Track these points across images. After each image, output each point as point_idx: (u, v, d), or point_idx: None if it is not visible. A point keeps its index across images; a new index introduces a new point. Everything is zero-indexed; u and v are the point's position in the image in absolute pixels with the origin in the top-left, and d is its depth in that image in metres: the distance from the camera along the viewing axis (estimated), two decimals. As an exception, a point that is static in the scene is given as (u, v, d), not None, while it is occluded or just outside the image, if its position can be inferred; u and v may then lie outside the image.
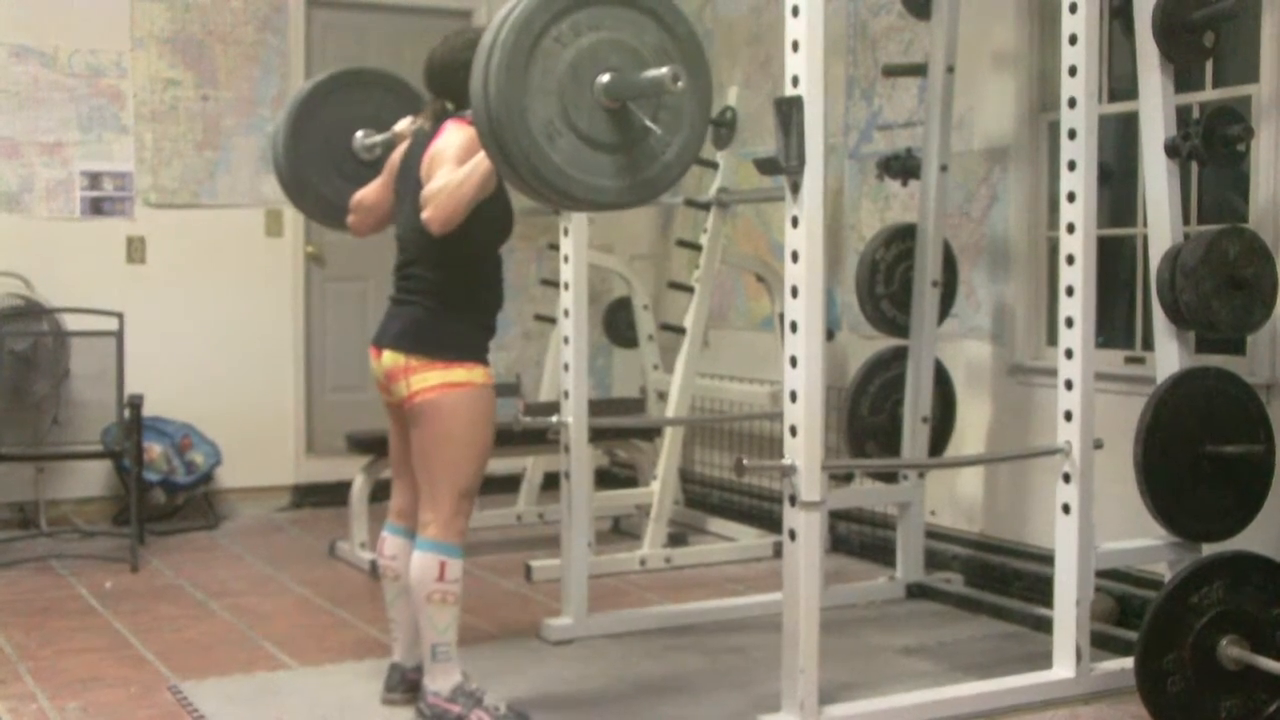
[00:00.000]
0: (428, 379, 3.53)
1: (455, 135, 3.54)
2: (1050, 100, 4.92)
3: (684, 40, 3.14)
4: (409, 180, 3.65)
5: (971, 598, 4.89)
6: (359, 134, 4.21)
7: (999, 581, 5.03)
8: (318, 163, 4.19)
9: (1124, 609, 4.50)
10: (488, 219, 3.55)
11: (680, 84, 2.97)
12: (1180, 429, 3.80)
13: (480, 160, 3.35)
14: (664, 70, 2.97)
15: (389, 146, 4.04)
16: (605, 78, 3.03)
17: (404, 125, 3.94)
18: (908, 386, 4.95)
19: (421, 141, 3.68)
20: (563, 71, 3.00)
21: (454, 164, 3.45)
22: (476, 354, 3.61)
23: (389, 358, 3.61)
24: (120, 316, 5.71)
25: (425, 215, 3.40)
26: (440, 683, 3.55)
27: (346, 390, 6.77)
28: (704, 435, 6.63)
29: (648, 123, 3.06)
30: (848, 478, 5.51)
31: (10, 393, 5.75)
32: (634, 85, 3.03)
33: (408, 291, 3.65)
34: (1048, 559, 4.00)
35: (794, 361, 3.40)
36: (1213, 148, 3.87)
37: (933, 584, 5.02)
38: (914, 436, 4.93)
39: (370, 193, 3.88)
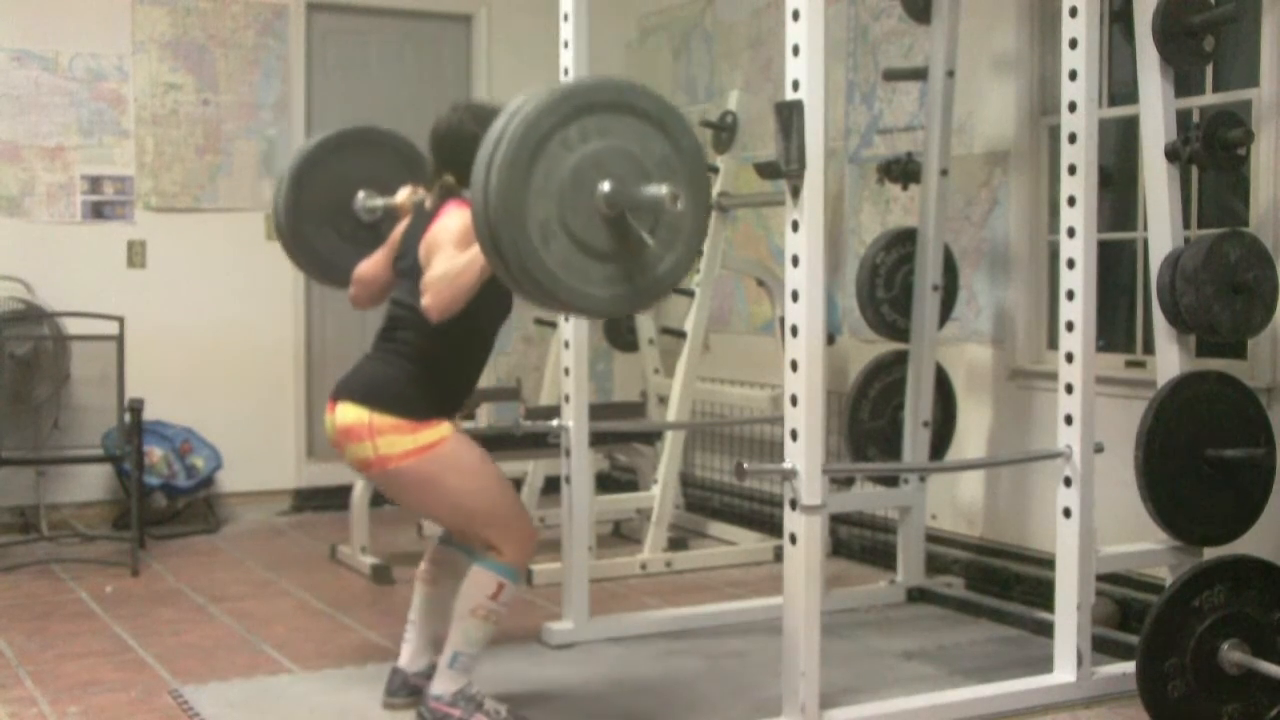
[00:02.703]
0: (397, 445, 3.45)
1: (455, 219, 3.49)
2: (1051, 104, 4.92)
3: (688, 154, 3.15)
4: (408, 257, 3.62)
5: (972, 602, 4.89)
6: (360, 194, 4.22)
7: (1000, 585, 5.03)
8: (317, 219, 4.21)
9: (1125, 613, 4.49)
10: (487, 302, 3.48)
11: (679, 205, 2.99)
12: (1181, 433, 3.80)
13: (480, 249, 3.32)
14: (664, 190, 2.98)
15: (390, 214, 4.04)
16: (606, 186, 3.02)
17: (405, 196, 3.93)
18: (908, 390, 4.95)
19: (422, 218, 3.65)
20: (565, 175, 3.00)
21: (453, 249, 3.41)
22: (444, 414, 3.54)
23: (349, 412, 3.51)
24: (121, 320, 5.72)
25: (425, 303, 3.36)
26: (445, 687, 3.55)
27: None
28: (704, 439, 6.63)
29: (644, 235, 3.06)
30: (848, 482, 5.50)
31: (11, 397, 5.75)
32: (634, 198, 3.03)
33: (386, 351, 3.60)
34: (1049, 563, 3.99)
35: (794, 365, 3.40)
36: (1213, 152, 3.87)
37: (934, 588, 5.02)
38: (915, 440, 4.93)
39: (370, 267, 3.84)
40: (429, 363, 3.53)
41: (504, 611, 3.56)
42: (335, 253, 4.17)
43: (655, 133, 3.10)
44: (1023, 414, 5.07)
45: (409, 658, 3.81)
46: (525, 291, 3.08)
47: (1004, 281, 5.16)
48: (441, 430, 3.49)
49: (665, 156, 3.10)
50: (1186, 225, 4.19)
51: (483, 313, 3.50)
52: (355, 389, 3.55)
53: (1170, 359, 3.90)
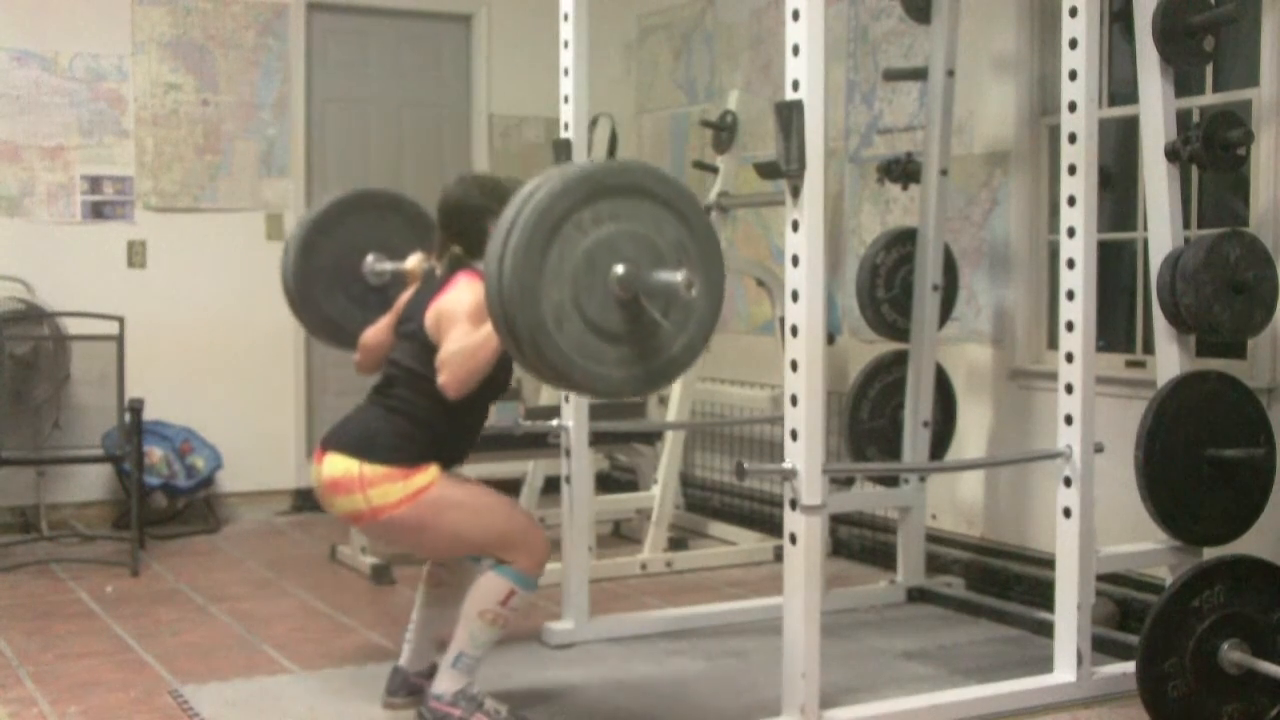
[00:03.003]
0: (389, 494, 3.43)
1: (469, 293, 3.48)
2: (1051, 104, 4.92)
3: (702, 237, 3.16)
4: (412, 321, 3.60)
5: (972, 601, 4.89)
6: (370, 257, 4.23)
7: (1000, 585, 5.03)
8: (325, 281, 4.23)
9: (1125, 613, 4.49)
10: (492, 375, 3.47)
11: (694, 292, 3.01)
12: (1181, 433, 3.80)
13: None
14: (679, 277, 2.99)
15: (398, 278, 4.05)
16: (620, 269, 3.03)
17: (415, 263, 3.92)
18: (908, 390, 4.95)
19: (430, 286, 3.65)
20: (579, 258, 3.01)
21: (468, 325, 3.40)
22: (433, 459, 3.51)
23: (337, 464, 3.48)
24: (121, 320, 5.72)
25: (441, 380, 3.35)
26: (446, 686, 3.55)
27: (347, 394, 6.70)
28: (704, 439, 6.63)
29: (657, 317, 3.07)
30: (848, 482, 5.50)
31: (11, 397, 5.75)
32: (647, 283, 3.04)
33: (379, 405, 3.59)
34: (1049, 563, 3.99)
35: (794, 365, 3.40)
36: (1213, 151, 3.87)
37: (933, 588, 5.02)
38: (915, 440, 4.93)
39: (375, 334, 3.84)
40: (422, 421, 3.52)
41: (512, 617, 3.56)
42: (343, 316, 4.20)
43: (669, 215, 3.12)
44: (1023, 414, 5.07)
45: (410, 657, 3.81)
46: (539, 373, 3.09)
47: (1004, 281, 5.16)
48: (431, 473, 3.48)
49: (679, 239, 3.12)
50: (1186, 225, 4.19)
51: (485, 384, 3.47)
52: (345, 440, 3.53)
53: (1170, 359, 3.90)
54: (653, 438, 5.99)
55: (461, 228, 3.63)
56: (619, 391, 3.16)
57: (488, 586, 3.53)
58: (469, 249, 3.61)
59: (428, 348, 3.49)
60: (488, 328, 3.27)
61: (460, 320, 3.43)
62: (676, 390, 5.66)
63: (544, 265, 2.96)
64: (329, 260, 4.22)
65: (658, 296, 3.06)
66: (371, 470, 3.44)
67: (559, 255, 2.98)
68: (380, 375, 3.69)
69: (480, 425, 3.68)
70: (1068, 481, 3.79)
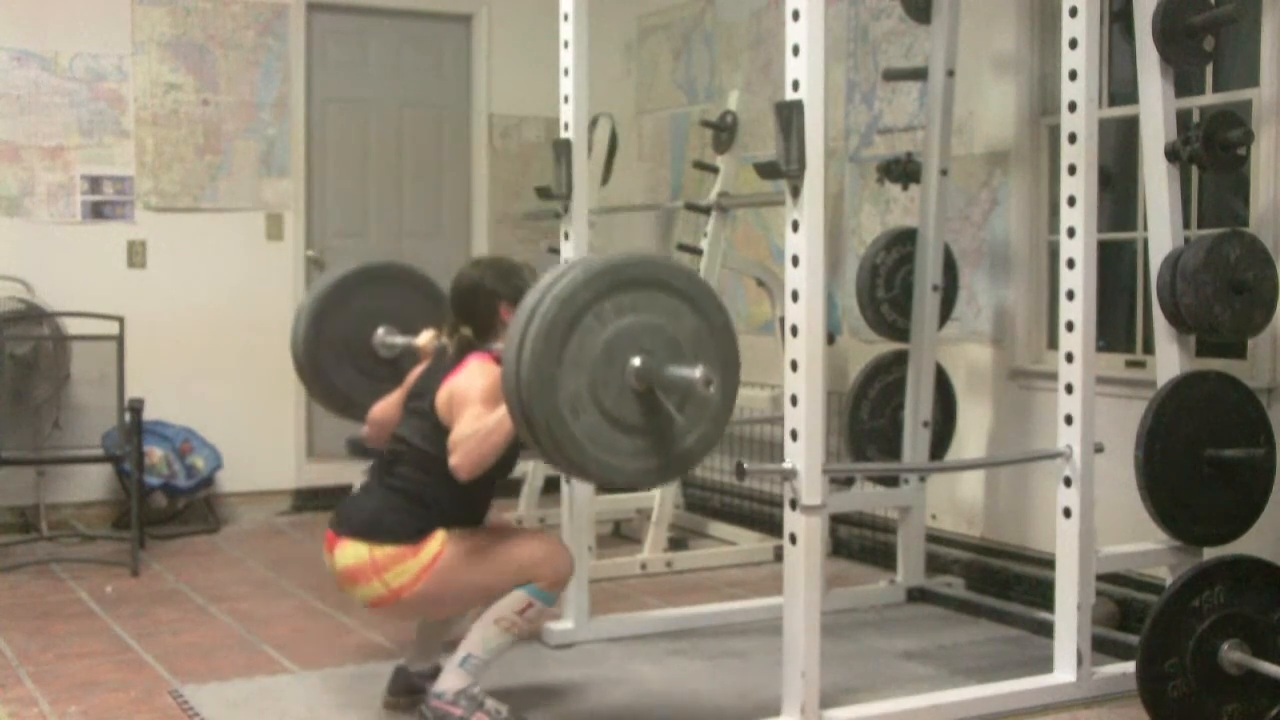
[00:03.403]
0: (404, 573, 3.44)
1: (481, 376, 3.48)
2: (1051, 104, 4.92)
3: (720, 331, 3.20)
4: (423, 399, 3.60)
5: (972, 602, 4.89)
6: (380, 330, 4.27)
7: (1000, 585, 5.03)
8: (335, 351, 4.26)
9: (1125, 613, 4.49)
10: (502, 456, 3.46)
11: (711, 389, 3.03)
12: (1181, 433, 3.80)
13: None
14: (697, 373, 3.01)
15: (409, 353, 4.06)
16: (637, 361, 3.07)
17: (426, 339, 3.94)
18: (908, 390, 4.95)
19: (442, 365, 3.65)
20: (598, 349, 3.04)
21: (481, 407, 3.40)
22: (441, 528, 3.51)
23: (349, 554, 3.49)
24: (121, 320, 5.72)
25: (454, 462, 3.35)
26: (449, 685, 3.55)
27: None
28: (705, 439, 6.62)
29: (672, 410, 3.10)
30: (848, 482, 5.50)
31: (11, 397, 5.75)
32: (664, 377, 3.07)
33: (386, 485, 3.59)
34: (1049, 563, 3.99)
35: (794, 365, 3.40)
36: (1213, 151, 3.87)
37: (934, 588, 5.02)
38: (915, 440, 4.93)
39: (384, 410, 3.84)
40: (428, 500, 3.52)
41: (527, 627, 3.59)
42: (352, 387, 4.23)
43: (687, 309, 3.16)
44: (1023, 414, 5.07)
45: (414, 657, 3.81)
46: (553, 460, 3.11)
47: (1004, 281, 5.16)
48: (439, 539, 3.48)
49: (697, 332, 3.16)
50: (1186, 225, 4.19)
51: (494, 464, 3.45)
52: (353, 524, 3.53)
53: (1170, 359, 3.89)
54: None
55: (473, 310, 3.65)
56: (632, 483, 3.21)
57: (509, 597, 3.55)
58: (479, 332, 3.64)
59: (438, 428, 3.49)
60: (501, 411, 3.28)
61: (474, 403, 3.42)
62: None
63: (563, 355, 3.01)
64: (340, 331, 4.28)
65: (674, 390, 3.08)
66: (382, 553, 3.45)
67: (578, 345, 3.02)
68: (387, 451, 3.69)
69: (487, 500, 3.67)
70: (1068, 481, 3.79)
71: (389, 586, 3.46)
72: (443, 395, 3.52)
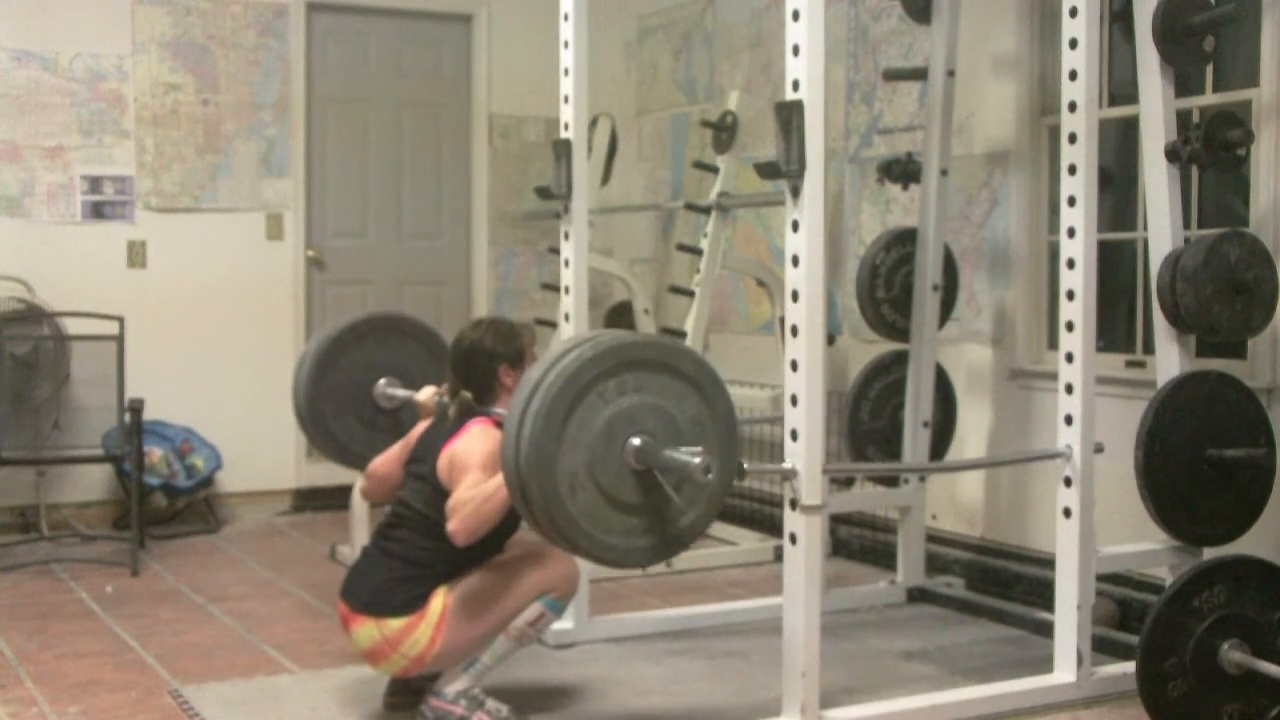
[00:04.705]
0: (419, 640, 3.48)
1: (482, 441, 3.50)
2: (1051, 104, 4.92)
3: (722, 417, 3.21)
4: (425, 463, 3.62)
5: (972, 602, 4.89)
6: (382, 381, 4.29)
7: (1000, 585, 5.03)
8: (336, 400, 4.31)
9: (1125, 613, 4.49)
10: (502, 521, 3.48)
11: (710, 477, 3.04)
12: (1181, 433, 3.80)
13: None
14: (697, 460, 3.02)
15: (410, 407, 4.07)
16: (637, 441, 3.08)
17: (427, 395, 3.96)
18: (908, 390, 4.95)
19: (443, 429, 3.66)
20: (599, 427, 3.06)
21: (480, 474, 3.42)
22: (441, 584, 3.53)
23: (364, 635, 3.53)
24: (121, 320, 5.71)
25: (451, 527, 3.36)
26: (451, 685, 3.56)
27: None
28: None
29: (670, 491, 3.11)
30: (848, 482, 5.51)
31: (11, 397, 5.75)
32: (663, 460, 3.08)
33: (387, 552, 3.60)
34: (1049, 563, 3.99)
35: (794, 365, 3.40)
36: (1213, 152, 3.87)
37: (934, 588, 5.02)
38: (915, 440, 4.93)
39: (384, 465, 3.87)
40: (429, 563, 3.54)
41: (535, 636, 3.62)
42: (351, 437, 4.29)
43: (691, 393, 3.17)
44: (1023, 414, 5.07)
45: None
46: (547, 535, 3.12)
47: (1004, 281, 5.16)
48: (440, 595, 3.51)
49: (698, 416, 3.17)
50: (1186, 225, 4.19)
51: (491, 531, 3.46)
52: (360, 600, 3.56)
53: (1170, 359, 3.89)
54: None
55: (473, 372, 3.66)
56: (622, 561, 3.23)
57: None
58: (480, 394, 3.66)
59: (439, 492, 3.51)
60: (500, 478, 3.29)
61: (472, 469, 3.44)
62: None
63: (563, 432, 3.02)
64: (341, 380, 4.33)
65: (672, 472, 3.09)
66: (391, 628, 3.49)
67: (579, 423, 3.03)
68: (388, 513, 3.71)
69: (493, 555, 3.65)
70: (1068, 481, 3.79)
71: (407, 657, 3.50)
72: (443, 460, 3.54)
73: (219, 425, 6.43)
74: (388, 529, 3.66)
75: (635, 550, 3.17)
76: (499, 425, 3.49)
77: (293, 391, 4.37)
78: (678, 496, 3.12)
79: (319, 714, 3.80)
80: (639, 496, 3.11)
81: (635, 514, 3.13)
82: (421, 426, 3.84)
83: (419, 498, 3.60)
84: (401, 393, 4.27)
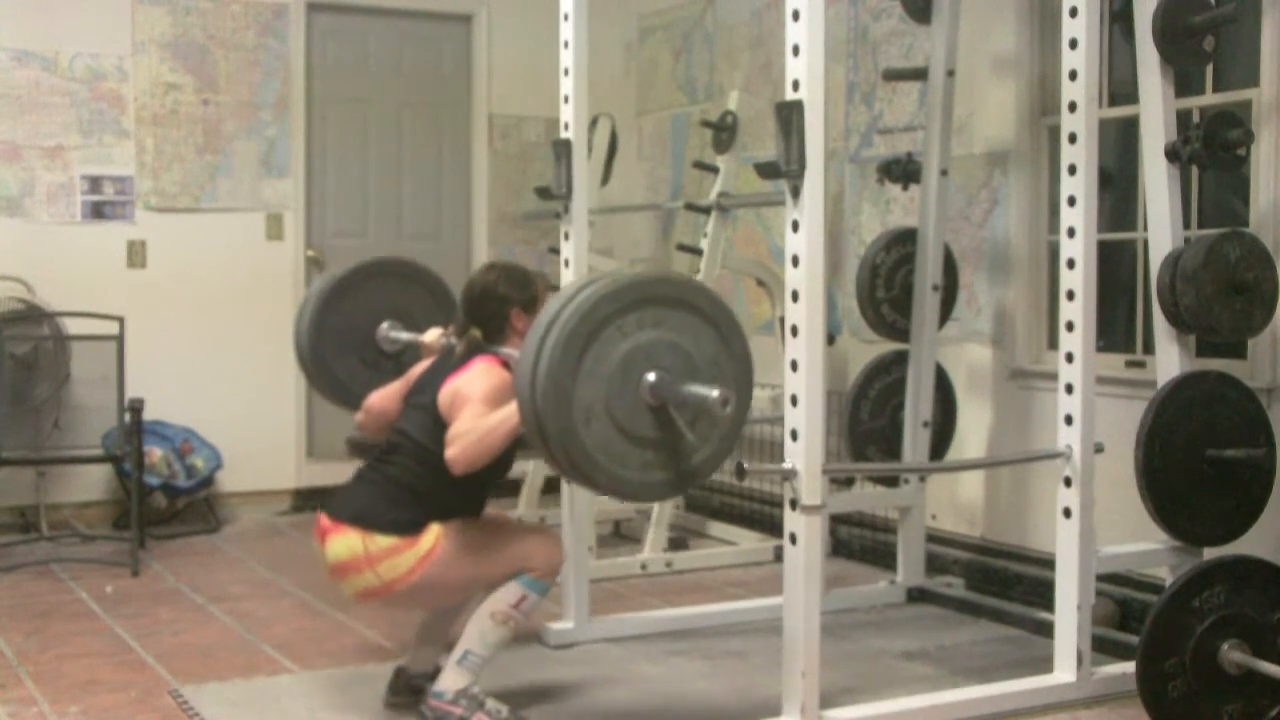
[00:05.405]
0: (398, 565, 3.44)
1: (486, 377, 3.51)
2: (1051, 104, 4.92)
3: (738, 357, 3.21)
4: (425, 394, 3.61)
5: (972, 602, 4.89)
6: (385, 324, 4.26)
7: (1000, 585, 5.03)
8: (338, 341, 4.27)
9: (1125, 613, 4.49)
10: (497, 459, 3.47)
11: (728, 410, 3.04)
12: (1181, 433, 3.80)
13: (513, 413, 3.30)
14: (715, 393, 3.02)
15: (412, 350, 4.07)
16: (652, 377, 3.07)
17: (433, 336, 3.96)
18: (908, 390, 4.95)
19: (448, 363, 3.67)
20: (615, 361, 3.05)
21: (483, 406, 3.41)
22: (436, 520, 3.51)
23: (340, 546, 3.47)
24: (121, 320, 5.72)
25: (449, 454, 3.35)
26: (449, 684, 3.55)
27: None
28: (705, 439, 6.62)
29: (683, 428, 3.11)
30: (848, 482, 5.51)
31: (11, 397, 5.75)
32: (680, 394, 3.07)
33: (381, 474, 3.59)
34: (1049, 563, 3.99)
35: (794, 365, 3.40)
36: (1213, 152, 3.87)
37: (934, 588, 5.02)
38: (915, 440, 4.93)
39: (381, 399, 3.85)
40: (423, 492, 3.53)
41: (523, 620, 3.59)
42: (352, 377, 4.24)
43: (709, 331, 3.17)
44: (1023, 414, 5.07)
45: (414, 659, 3.81)
46: (561, 468, 3.11)
47: (1004, 281, 5.16)
48: (434, 532, 3.48)
49: (716, 356, 3.17)
50: (1186, 225, 4.19)
51: (486, 465, 3.44)
52: (349, 511, 3.53)
53: (1170, 359, 3.90)
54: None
55: (484, 314, 3.67)
56: (637, 495, 3.22)
57: (501, 590, 3.55)
58: (489, 335, 3.66)
59: (438, 423, 3.50)
60: (502, 412, 3.31)
61: (475, 401, 3.43)
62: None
63: (580, 365, 3.01)
64: (345, 320, 4.28)
65: (687, 408, 3.09)
66: (376, 545, 3.45)
67: (596, 356, 3.03)
68: (385, 442, 3.69)
69: (482, 500, 3.67)
70: (1068, 481, 3.79)
71: (381, 579, 3.45)
72: (445, 392, 3.53)
73: (219, 425, 6.43)
74: (383, 455, 3.63)
75: (650, 484, 3.15)
76: (505, 365, 3.51)
77: (295, 332, 4.33)
78: (692, 433, 3.12)
79: (319, 714, 3.80)
80: (654, 431, 3.10)
81: (650, 449, 3.12)
82: (424, 364, 3.82)
83: (418, 427, 3.58)
84: (405, 335, 4.23)
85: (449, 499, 3.52)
